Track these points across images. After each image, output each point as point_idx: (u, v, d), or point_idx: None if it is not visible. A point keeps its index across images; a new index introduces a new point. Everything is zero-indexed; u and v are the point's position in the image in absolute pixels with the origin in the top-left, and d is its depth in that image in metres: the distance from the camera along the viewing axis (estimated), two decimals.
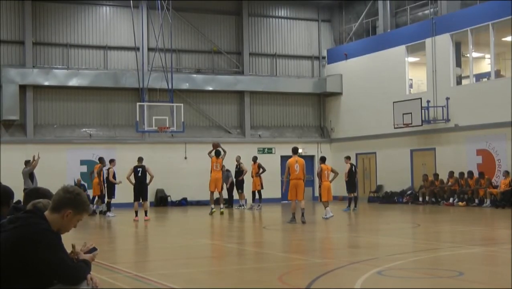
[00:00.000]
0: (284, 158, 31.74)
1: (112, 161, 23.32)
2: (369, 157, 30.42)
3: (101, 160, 23.59)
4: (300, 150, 31.84)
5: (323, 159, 20.39)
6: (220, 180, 22.42)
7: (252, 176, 25.44)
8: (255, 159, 25.71)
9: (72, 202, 4.48)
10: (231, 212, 23.75)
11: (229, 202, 26.42)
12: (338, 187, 31.00)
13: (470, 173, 24.76)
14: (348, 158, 23.79)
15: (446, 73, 26.38)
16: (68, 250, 4.71)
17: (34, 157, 21.44)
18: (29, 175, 21.27)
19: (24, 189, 21.12)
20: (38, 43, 28.34)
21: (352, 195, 23.33)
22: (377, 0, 30.52)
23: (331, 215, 19.10)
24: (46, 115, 28.34)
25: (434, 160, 27.06)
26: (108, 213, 22.47)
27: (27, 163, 21.79)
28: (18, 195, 20.60)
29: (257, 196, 25.37)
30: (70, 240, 4.80)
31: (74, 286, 4.40)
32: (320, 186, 19.79)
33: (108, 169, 23.04)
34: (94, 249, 4.84)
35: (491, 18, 24.65)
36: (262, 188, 25.38)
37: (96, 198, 23.44)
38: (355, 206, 23.20)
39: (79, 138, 28.41)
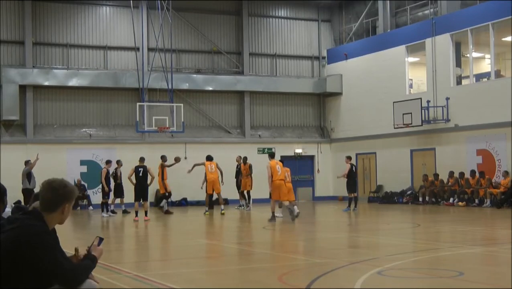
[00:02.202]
0: (284, 158, 31.71)
1: (108, 162, 23.23)
2: (369, 157, 30.42)
3: (163, 157, 23.48)
4: (299, 150, 32.06)
5: (283, 162, 20.84)
6: (217, 181, 22.55)
7: (243, 177, 25.23)
8: (245, 160, 25.33)
9: (65, 196, 4.47)
10: (231, 213, 23.71)
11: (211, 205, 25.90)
12: (340, 187, 31.07)
13: (473, 172, 24.70)
14: (349, 158, 23.81)
15: (446, 73, 26.38)
16: (67, 250, 4.70)
17: (37, 156, 21.44)
18: (27, 175, 21.28)
19: (23, 189, 21.16)
20: (38, 43, 28.34)
21: (352, 195, 23.32)
22: (377, 0, 30.52)
23: (281, 216, 19.55)
24: (46, 115, 28.34)
25: (434, 160, 27.06)
26: (103, 214, 22.46)
27: (27, 163, 21.79)
28: (18, 195, 20.56)
29: (252, 197, 25.31)
30: (70, 240, 4.81)
31: (73, 287, 4.39)
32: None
33: (101, 170, 23.06)
34: (101, 239, 4.84)
35: (491, 18, 24.64)
36: (251, 188, 25.21)
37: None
38: (355, 206, 23.19)
39: (79, 138, 28.40)
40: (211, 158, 22.89)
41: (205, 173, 22.75)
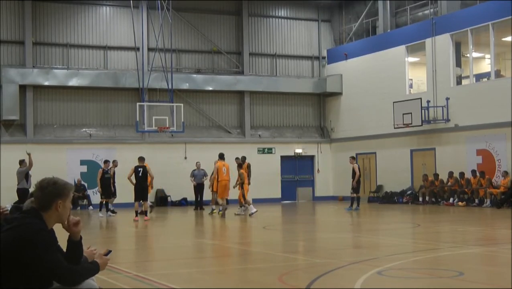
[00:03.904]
0: (284, 158, 31.86)
1: (106, 162, 23.13)
2: (369, 157, 30.42)
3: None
4: (299, 150, 32.08)
5: (240, 166, 22.62)
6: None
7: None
8: (243, 159, 24.31)
9: (56, 193, 4.47)
10: (231, 213, 23.69)
11: (200, 205, 25.60)
12: (339, 187, 31.17)
13: (474, 172, 24.68)
14: (353, 158, 24.18)
15: (446, 73, 26.37)
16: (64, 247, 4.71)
17: (30, 155, 21.32)
18: (25, 175, 21.23)
19: (18, 190, 21.07)
20: (38, 43, 28.34)
21: (356, 195, 23.47)
22: (377, 0, 30.52)
23: (255, 210, 21.33)
24: (46, 115, 28.35)
25: (434, 160, 27.06)
26: (99, 214, 22.39)
27: (21, 162, 21.73)
28: (15, 195, 20.26)
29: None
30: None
31: (70, 286, 4.40)
32: (242, 188, 22.14)
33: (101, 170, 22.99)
34: (109, 251, 4.90)
35: (491, 18, 24.65)
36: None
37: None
38: (357, 205, 23.29)
39: (79, 138, 28.41)
40: (223, 157, 23.01)
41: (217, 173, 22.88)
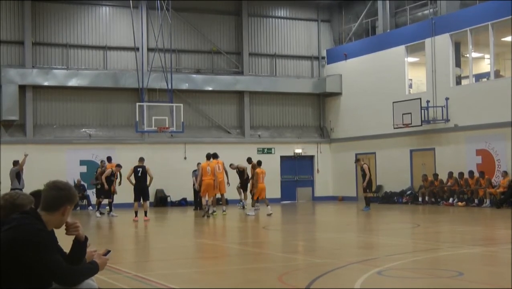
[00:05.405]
0: (283, 158, 31.85)
1: (118, 166, 23.05)
2: (368, 157, 30.37)
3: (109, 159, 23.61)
4: (299, 150, 32.09)
5: (259, 163, 23.05)
6: (223, 182, 22.42)
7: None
8: (249, 160, 24.67)
9: (68, 197, 4.48)
10: (231, 213, 23.71)
11: (200, 206, 25.04)
12: (339, 187, 31.17)
13: (471, 173, 24.72)
14: (359, 159, 24.54)
15: (446, 73, 26.38)
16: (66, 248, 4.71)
17: (25, 157, 21.39)
18: (16, 175, 21.24)
19: (12, 190, 21.07)
20: (38, 43, 28.33)
21: (367, 195, 23.98)
22: (376, 0, 30.51)
23: (253, 214, 21.87)
24: (45, 115, 28.34)
25: (434, 160, 27.06)
26: (97, 213, 22.41)
27: (15, 163, 21.74)
28: None
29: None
30: (70, 240, 4.80)
31: (70, 286, 4.39)
32: (255, 187, 22.60)
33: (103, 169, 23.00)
34: (108, 251, 4.92)
35: (491, 18, 24.65)
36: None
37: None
38: (367, 206, 23.68)
39: (78, 138, 28.40)
40: (216, 156, 22.72)
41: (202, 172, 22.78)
